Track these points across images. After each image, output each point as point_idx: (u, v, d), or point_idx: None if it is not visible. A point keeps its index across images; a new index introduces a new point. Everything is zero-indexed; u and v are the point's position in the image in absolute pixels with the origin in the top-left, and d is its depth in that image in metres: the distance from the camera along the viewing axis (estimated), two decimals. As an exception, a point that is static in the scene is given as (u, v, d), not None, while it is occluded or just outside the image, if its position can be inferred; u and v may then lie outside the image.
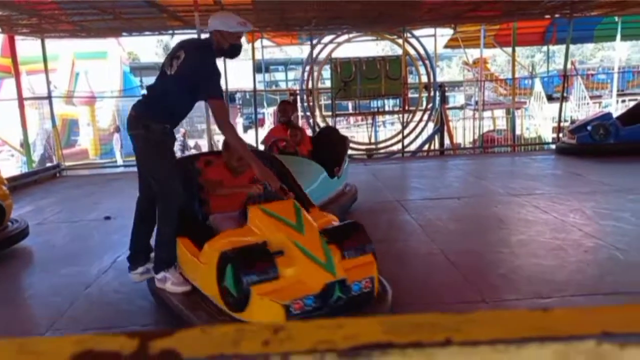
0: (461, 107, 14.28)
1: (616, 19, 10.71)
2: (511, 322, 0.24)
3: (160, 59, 33.74)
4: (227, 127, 2.92)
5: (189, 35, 9.65)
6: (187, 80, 2.87)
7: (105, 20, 7.64)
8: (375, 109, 10.74)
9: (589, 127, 8.45)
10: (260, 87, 15.27)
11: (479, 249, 4.15)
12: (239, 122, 19.24)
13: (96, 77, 14.99)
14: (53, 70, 15.15)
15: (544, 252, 3.97)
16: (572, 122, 10.26)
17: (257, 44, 10.27)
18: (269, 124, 13.29)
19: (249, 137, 11.14)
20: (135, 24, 8.18)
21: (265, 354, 0.23)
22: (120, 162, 12.76)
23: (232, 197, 3.13)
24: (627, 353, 0.23)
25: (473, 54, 14.22)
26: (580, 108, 12.85)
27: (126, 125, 3.14)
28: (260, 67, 14.12)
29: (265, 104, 13.88)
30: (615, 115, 9.05)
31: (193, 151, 12.84)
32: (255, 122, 10.02)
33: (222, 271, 2.51)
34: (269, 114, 13.35)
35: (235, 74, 14.00)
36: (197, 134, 12.87)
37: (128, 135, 3.13)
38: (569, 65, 11.30)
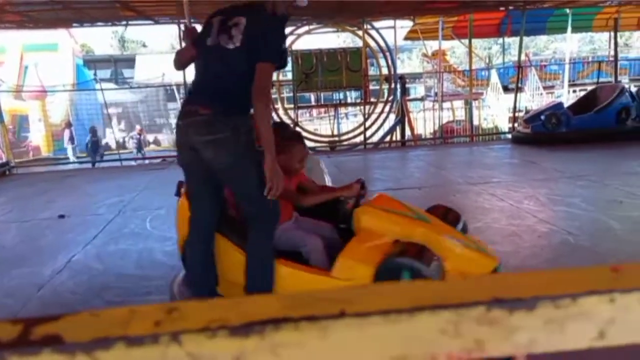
0: (421, 99, 14.51)
1: (567, 11, 11.11)
2: (406, 293, 0.24)
3: (115, 51, 32.71)
4: (262, 97, 2.22)
5: (144, 25, 9.39)
6: (258, 51, 2.22)
7: (54, 10, 7.31)
8: (337, 101, 10.78)
9: (542, 117, 8.76)
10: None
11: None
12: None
13: (47, 70, 14.35)
14: (0, 64, 14.43)
15: (500, 238, 4.10)
16: (527, 112, 10.61)
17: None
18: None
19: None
20: (87, 14, 7.87)
21: (155, 334, 0.23)
22: (72, 158, 12.21)
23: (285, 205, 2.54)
24: (515, 317, 0.23)
25: (432, 45, 14.45)
26: (535, 98, 13.30)
27: (186, 132, 2.28)
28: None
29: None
30: (566, 105, 9.42)
31: (153, 146, 12.54)
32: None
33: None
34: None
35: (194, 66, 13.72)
36: (157, 128, 12.55)
37: (199, 142, 2.24)
38: (523, 57, 11.66)
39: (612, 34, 11.48)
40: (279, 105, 10.11)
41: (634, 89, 9.72)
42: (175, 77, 12.48)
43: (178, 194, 2.81)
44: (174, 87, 13.85)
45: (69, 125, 13.06)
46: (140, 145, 12.03)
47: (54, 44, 14.69)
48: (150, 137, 12.89)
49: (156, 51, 30.46)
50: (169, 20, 8.96)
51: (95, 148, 10.98)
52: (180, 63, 2.63)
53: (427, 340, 0.23)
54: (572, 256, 3.65)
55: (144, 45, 35.29)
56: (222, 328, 0.23)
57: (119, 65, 25.36)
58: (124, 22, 9.14)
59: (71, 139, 12.57)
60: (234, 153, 2.22)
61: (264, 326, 0.23)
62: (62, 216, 5.32)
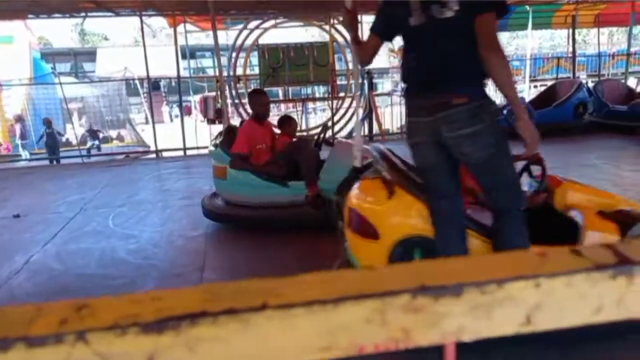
0: (389, 94, 14.63)
1: (527, 8, 11.40)
2: (330, 283, 0.23)
3: (76, 44, 31.60)
4: (496, 45, 1.91)
5: (105, 17, 9.09)
6: (479, 4, 1.90)
7: (8, 0, 6.99)
8: (305, 96, 10.74)
9: (504, 111, 8.97)
10: (185, 74, 14.75)
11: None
12: (164, 111, 18.51)
13: (1, 64, 13.73)
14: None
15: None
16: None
17: (180, 28, 9.87)
18: (196, 113, 12.88)
19: (176, 126, 10.74)
20: (43, 5, 7.56)
21: (58, 334, 0.21)
22: (24, 155, 11.54)
23: None
24: (441, 304, 0.23)
25: (399, 41, 14.55)
26: (497, 93, 13.59)
27: (437, 129, 2.02)
28: (184, 53, 13.62)
29: (191, 92, 13.42)
30: (527, 99, 9.69)
31: (116, 142, 12.20)
32: (180, 111, 9.66)
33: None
34: (195, 102, 12.93)
35: (158, 60, 13.41)
36: (119, 123, 12.19)
37: (455, 137, 1.98)
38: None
39: (571, 31, 11.85)
40: (245, 100, 10.00)
41: (591, 85, 10.09)
42: (138, 70, 12.17)
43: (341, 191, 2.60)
44: (137, 81, 13.49)
45: (19, 120, 12.34)
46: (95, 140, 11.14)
47: (9, 36, 14.07)
48: (113, 133, 12.51)
49: (118, 44, 29.63)
50: (131, 13, 8.71)
51: (52, 142, 10.38)
52: (367, 56, 2.34)
53: (353, 331, 0.22)
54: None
55: (106, 38, 34.28)
56: (134, 325, 0.22)
57: (79, 59, 24.52)
58: (82, 14, 8.83)
59: (22, 135, 11.90)
60: (495, 142, 1.99)
61: (179, 322, 0.22)
62: (17, 215, 5.11)
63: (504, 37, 33.55)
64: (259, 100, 4.53)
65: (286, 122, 4.86)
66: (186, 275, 3.49)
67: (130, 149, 10.33)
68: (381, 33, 2.24)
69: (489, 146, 1.98)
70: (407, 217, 2.38)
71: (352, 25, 2.39)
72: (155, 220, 4.83)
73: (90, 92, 12.19)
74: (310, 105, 13.64)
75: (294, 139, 4.66)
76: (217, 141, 4.64)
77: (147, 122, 12.55)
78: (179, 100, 10.01)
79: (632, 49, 13.81)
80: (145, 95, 13.70)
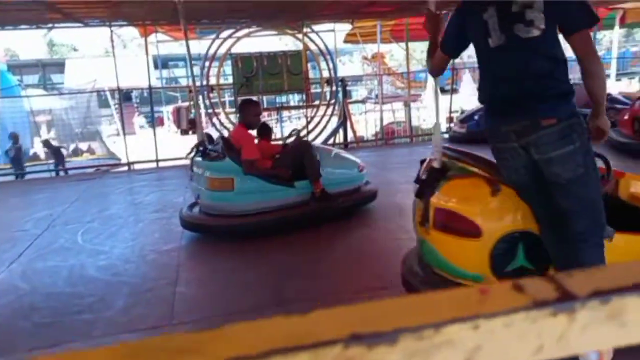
0: (363, 101, 14.74)
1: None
2: (258, 334, 0.22)
3: (45, 55, 30.89)
4: (596, 57, 1.99)
5: (73, 28, 8.91)
6: (572, 20, 1.92)
7: (-31, 12, 6.78)
8: (280, 104, 10.72)
9: (476, 117, 9.15)
10: (158, 84, 14.56)
11: (382, 237, 4.32)
12: (136, 122, 18.20)
13: (-34, 76, 13.29)
14: None
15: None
16: (462, 112, 11.04)
17: (152, 38, 9.75)
18: (168, 123, 12.71)
19: (148, 135, 10.54)
20: (8, 16, 7.36)
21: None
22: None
23: None
24: (375, 353, 0.22)
25: (372, 48, 14.72)
26: (469, 99, 13.87)
27: (525, 152, 2.02)
28: (157, 62, 13.45)
29: (163, 102, 13.25)
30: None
31: (87, 155, 11.92)
32: (152, 121, 9.51)
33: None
34: (168, 112, 12.76)
35: (130, 70, 13.19)
36: (90, 135, 11.93)
37: (546, 159, 1.97)
38: (457, 59, 12.10)
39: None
40: (220, 110, 9.91)
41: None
42: (109, 82, 11.95)
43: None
44: (108, 93, 13.25)
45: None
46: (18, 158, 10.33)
47: (-28, 48, 13.65)
48: (83, 146, 12.22)
49: (88, 55, 29.08)
50: (100, 23, 8.56)
51: (17, 157, 10.01)
52: (438, 68, 2.31)
53: (282, 386, 0.21)
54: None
55: (75, 49, 33.62)
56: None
57: (47, 70, 23.96)
58: (50, 25, 8.63)
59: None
60: (584, 162, 1.95)
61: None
62: None
63: (474, 44, 34.23)
64: (254, 111, 4.66)
65: (264, 128, 5.15)
66: (158, 290, 3.41)
67: (101, 161, 10.09)
68: (452, 54, 2.22)
69: (578, 166, 1.95)
70: (512, 212, 2.38)
71: (436, 29, 2.32)
72: (127, 235, 4.72)
73: (59, 105, 11.90)
74: (285, 113, 13.63)
75: (290, 143, 5.09)
76: (214, 152, 4.56)
77: (118, 134, 12.32)
78: (150, 111, 9.86)
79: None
80: (116, 106, 13.47)
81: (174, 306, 3.18)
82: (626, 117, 7.35)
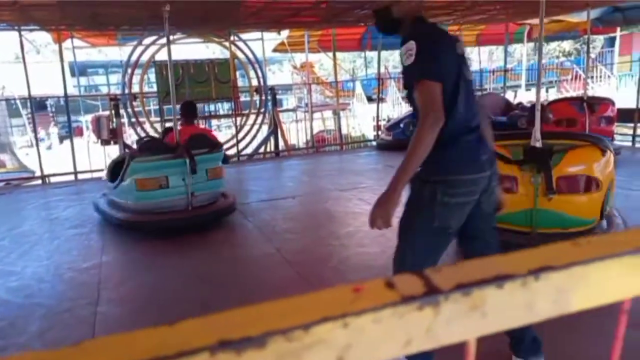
0: (293, 110, 14.82)
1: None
2: (128, 346, 0.21)
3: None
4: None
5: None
6: None
7: None
8: (208, 113, 10.52)
9: (401, 125, 9.51)
10: (76, 92, 13.74)
11: (312, 244, 4.34)
12: (53, 133, 17.02)
13: None
14: None
15: (369, 241, 4.32)
16: (388, 120, 11.41)
17: (68, 44, 9.20)
18: (88, 133, 12.01)
19: (65, 148, 9.90)
20: None
21: None
22: None
23: None
24: (244, 357, 0.22)
25: (302, 58, 14.87)
26: (395, 107, 14.39)
27: (489, 182, 2.06)
28: (73, 69, 12.68)
29: (82, 112, 12.52)
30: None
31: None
32: (70, 132, 8.95)
33: None
34: (87, 121, 12.08)
35: (45, 78, 12.35)
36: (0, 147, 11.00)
37: (493, 188, 2.09)
38: (382, 70, 12.54)
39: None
40: (144, 119, 9.54)
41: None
42: (19, 89, 11.10)
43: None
44: (18, 102, 12.30)
45: None
46: None
47: None
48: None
49: (-4, 61, 26.83)
50: (8, 27, 7.94)
51: None
52: (442, 107, 2.06)
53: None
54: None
55: (-19, 54, 30.94)
56: None
57: (-52, 77, 21.80)
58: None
59: None
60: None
61: None
62: None
63: (398, 55, 35.69)
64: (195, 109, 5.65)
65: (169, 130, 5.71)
66: (77, 311, 3.20)
67: (12, 175, 9.32)
68: (444, 81, 2.07)
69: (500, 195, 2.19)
70: (609, 166, 3.48)
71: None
72: (41, 253, 4.38)
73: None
74: (215, 122, 13.38)
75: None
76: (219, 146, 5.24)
77: (31, 145, 11.46)
78: (67, 121, 9.28)
79: (508, 66, 15.38)
80: (28, 116, 12.53)
81: (95, 327, 2.99)
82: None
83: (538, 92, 3.72)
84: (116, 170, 4.99)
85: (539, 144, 3.41)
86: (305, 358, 0.23)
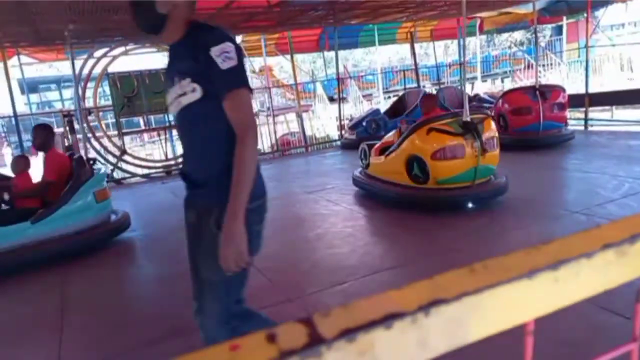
0: (256, 114, 14.71)
1: (372, 26, 12.37)
2: None
3: None
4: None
5: None
6: None
7: None
8: (169, 123, 10.31)
9: (364, 123, 9.58)
10: (27, 110, 13.23)
11: (282, 249, 4.29)
12: (6, 154, 16.32)
13: None
14: None
15: (339, 241, 4.32)
16: (351, 119, 11.48)
17: (14, 61, 8.84)
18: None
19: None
20: None
21: None
22: None
23: None
24: None
25: (260, 61, 14.78)
26: (357, 106, 14.50)
27: None
28: (22, 87, 12.21)
29: (35, 130, 12.06)
30: (382, 110, 10.45)
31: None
32: (21, 151, 8.61)
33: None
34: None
35: (-8, 97, 11.80)
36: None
37: None
38: (341, 69, 12.60)
39: (411, 45, 13.10)
40: (101, 134, 9.26)
41: (434, 92, 11.24)
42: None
43: None
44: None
45: None
46: None
47: None
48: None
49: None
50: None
51: None
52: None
53: None
54: (400, 250, 4.04)
55: None
56: None
57: None
58: None
59: None
60: None
61: None
62: None
63: (358, 53, 36.01)
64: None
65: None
66: (40, 344, 3.06)
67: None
68: None
69: None
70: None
71: None
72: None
73: None
74: (175, 132, 13.13)
75: None
76: None
77: (-17, 168, 10.97)
78: (18, 140, 8.92)
79: (465, 58, 15.73)
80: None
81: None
82: (492, 114, 8.16)
83: (463, 85, 4.21)
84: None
85: (469, 119, 4.62)
86: None
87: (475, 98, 10.45)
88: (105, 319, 3.27)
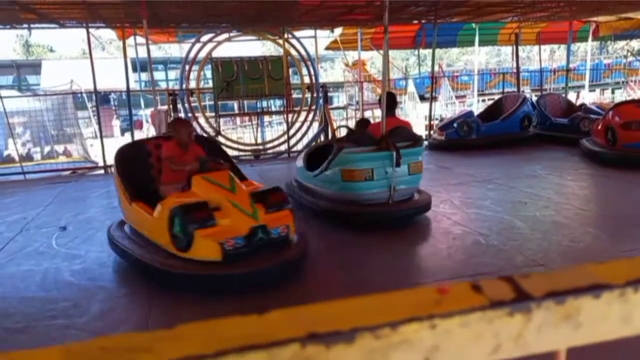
0: (344, 107, 14.80)
1: (474, 25, 11.89)
2: (219, 333, 0.21)
3: (18, 55, 30.26)
4: None
5: (48, 30, 8.74)
6: None
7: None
8: (261, 109, 10.69)
9: (455, 125, 9.27)
10: (137, 87, 14.37)
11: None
12: (115, 125, 17.90)
13: None
14: None
15: (420, 240, 4.26)
16: (441, 120, 11.16)
17: (131, 41, 9.63)
18: (147, 126, 12.54)
19: (126, 140, 10.37)
20: (-19, 16, 7.19)
21: None
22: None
23: (179, 172, 3.79)
24: (333, 352, 0.22)
25: (354, 55, 14.81)
26: (448, 107, 14.06)
27: None
28: (135, 65, 13.28)
29: (142, 105, 13.08)
30: (476, 113, 10.05)
31: (62, 157, 11.68)
32: (130, 125, 9.38)
33: (172, 222, 3.32)
34: (146, 115, 12.61)
35: (108, 72, 13.01)
36: (66, 138, 11.69)
37: None
38: (436, 68, 12.28)
39: (515, 47, 12.42)
40: (199, 114, 9.84)
41: (534, 99, 10.60)
42: (86, 84, 11.74)
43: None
44: (85, 95, 13.02)
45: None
46: None
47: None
48: (59, 148, 11.97)
49: (65, 56, 28.56)
50: (77, 25, 8.43)
51: None
52: None
53: (236, 387, 0.20)
54: (483, 256, 3.87)
55: (52, 50, 33.01)
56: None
57: (22, 71, 23.43)
58: (25, 26, 8.45)
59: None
60: None
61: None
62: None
63: (453, 53, 34.87)
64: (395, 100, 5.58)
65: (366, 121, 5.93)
66: (134, 295, 3.35)
67: (78, 164, 9.88)
68: None
69: None
70: None
71: None
72: (103, 239, 4.61)
73: (34, 106, 11.64)
74: (267, 118, 13.59)
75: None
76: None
77: (95, 137, 12.12)
78: (129, 114, 9.72)
79: (571, 65, 14.65)
80: (93, 109, 13.26)
81: (150, 310, 3.12)
82: (599, 127, 7.54)
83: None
84: (312, 158, 5.17)
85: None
86: (392, 357, 0.23)
87: (582, 108, 9.71)
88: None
